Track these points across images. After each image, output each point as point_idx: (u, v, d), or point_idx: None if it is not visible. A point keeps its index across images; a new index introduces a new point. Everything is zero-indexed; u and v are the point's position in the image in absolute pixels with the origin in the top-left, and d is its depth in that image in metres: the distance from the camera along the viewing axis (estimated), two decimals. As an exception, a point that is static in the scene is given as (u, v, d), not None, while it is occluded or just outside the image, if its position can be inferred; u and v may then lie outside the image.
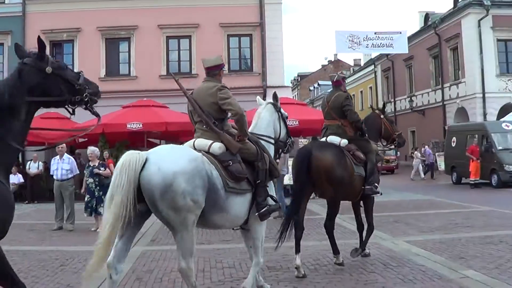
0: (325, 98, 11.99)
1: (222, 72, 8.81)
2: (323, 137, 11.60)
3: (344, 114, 11.41)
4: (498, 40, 45.79)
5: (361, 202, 11.95)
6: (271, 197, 8.54)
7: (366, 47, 41.85)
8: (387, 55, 59.82)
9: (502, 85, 45.52)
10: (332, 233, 11.00)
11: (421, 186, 34.73)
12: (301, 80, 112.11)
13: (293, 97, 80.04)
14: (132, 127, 27.92)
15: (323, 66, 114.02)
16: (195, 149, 7.99)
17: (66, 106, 6.63)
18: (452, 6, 52.58)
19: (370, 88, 72.97)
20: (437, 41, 51.63)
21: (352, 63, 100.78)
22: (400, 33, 42.51)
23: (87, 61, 35.60)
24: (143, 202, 7.10)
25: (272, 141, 9.28)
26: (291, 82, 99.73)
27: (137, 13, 36.92)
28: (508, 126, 34.25)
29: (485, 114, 44.49)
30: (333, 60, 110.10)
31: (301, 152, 11.04)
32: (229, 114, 8.40)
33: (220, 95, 8.22)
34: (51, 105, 6.69)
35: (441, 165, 41.26)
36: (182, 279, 7.95)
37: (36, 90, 6.25)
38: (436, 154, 42.75)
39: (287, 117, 9.80)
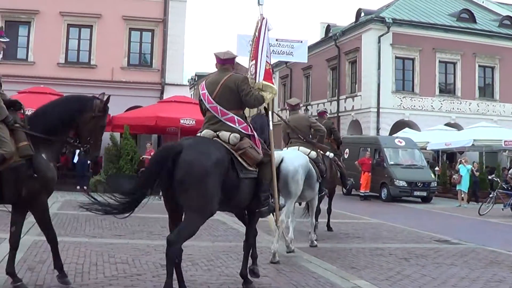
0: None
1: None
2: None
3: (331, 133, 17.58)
4: (397, 57, 46.90)
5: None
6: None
7: (267, 52, 42.05)
8: (286, 62, 60.12)
9: (397, 101, 46.59)
10: None
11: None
12: (199, 80, 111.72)
13: (190, 96, 79.76)
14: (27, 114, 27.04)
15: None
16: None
17: None
18: (354, 20, 53.52)
19: (267, 93, 73.25)
20: (336, 53, 52.23)
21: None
22: (301, 42, 43.02)
23: (-18, 42, 34.58)
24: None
25: None
26: (188, 81, 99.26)
27: (39, -2, 35.95)
28: (400, 142, 35.11)
29: (378, 129, 45.38)
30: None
31: None
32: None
33: (312, 120, 14.62)
34: None
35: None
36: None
37: None
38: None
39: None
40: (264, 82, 9.47)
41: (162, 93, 36.65)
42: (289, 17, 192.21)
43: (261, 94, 9.29)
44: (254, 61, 9.74)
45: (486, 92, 49.99)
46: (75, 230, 15.02)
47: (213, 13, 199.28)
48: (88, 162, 30.77)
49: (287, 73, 64.50)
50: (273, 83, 9.71)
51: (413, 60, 47.41)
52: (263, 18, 10.14)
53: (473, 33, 48.91)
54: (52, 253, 8.78)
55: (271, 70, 9.91)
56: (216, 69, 9.59)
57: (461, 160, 32.59)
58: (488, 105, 49.19)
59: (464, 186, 31.19)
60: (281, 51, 41.97)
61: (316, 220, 15.10)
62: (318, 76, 56.13)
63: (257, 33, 10.05)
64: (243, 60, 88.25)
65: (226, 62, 9.49)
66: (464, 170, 31.17)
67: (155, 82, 37.13)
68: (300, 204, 15.06)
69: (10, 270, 8.36)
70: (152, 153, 24.25)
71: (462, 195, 31.28)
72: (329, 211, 17.67)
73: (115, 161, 29.08)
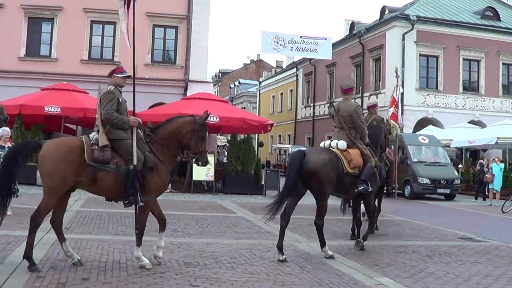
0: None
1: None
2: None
3: None
4: (421, 55, 46.77)
5: None
6: None
7: (291, 49, 41.99)
8: (310, 59, 60.07)
9: (421, 99, 46.44)
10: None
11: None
12: (222, 77, 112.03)
13: (214, 92, 79.94)
14: (49, 111, 27.08)
15: (245, 64, 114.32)
16: None
17: None
18: (378, 17, 53.35)
19: (291, 90, 73.29)
20: (360, 51, 52.15)
21: (274, 64, 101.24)
22: (325, 39, 42.76)
23: (7, 39, 34.79)
24: None
25: None
26: (212, 78, 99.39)
27: (62, -6, 36.02)
28: (424, 140, 34.99)
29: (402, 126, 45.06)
30: (255, 59, 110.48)
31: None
32: None
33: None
34: None
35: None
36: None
37: None
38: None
39: None
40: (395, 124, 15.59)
41: (185, 89, 36.68)
42: (314, 14, 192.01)
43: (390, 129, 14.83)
44: (393, 108, 15.52)
45: (510, 90, 49.80)
46: (98, 228, 15.03)
47: (237, 10, 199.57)
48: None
49: (311, 70, 64.62)
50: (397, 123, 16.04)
51: (437, 57, 47.25)
52: (398, 85, 17.13)
53: (497, 31, 48.75)
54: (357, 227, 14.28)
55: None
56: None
57: (494, 159, 32.09)
58: (511, 103, 48.87)
59: (497, 185, 30.87)
60: (305, 48, 41.75)
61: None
62: (342, 73, 55.88)
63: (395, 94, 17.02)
64: (267, 57, 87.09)
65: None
66: (497, 168, 30.83)
67: (178, 79, 37.23)
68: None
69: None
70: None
71: (494, 192, 30.93)
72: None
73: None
